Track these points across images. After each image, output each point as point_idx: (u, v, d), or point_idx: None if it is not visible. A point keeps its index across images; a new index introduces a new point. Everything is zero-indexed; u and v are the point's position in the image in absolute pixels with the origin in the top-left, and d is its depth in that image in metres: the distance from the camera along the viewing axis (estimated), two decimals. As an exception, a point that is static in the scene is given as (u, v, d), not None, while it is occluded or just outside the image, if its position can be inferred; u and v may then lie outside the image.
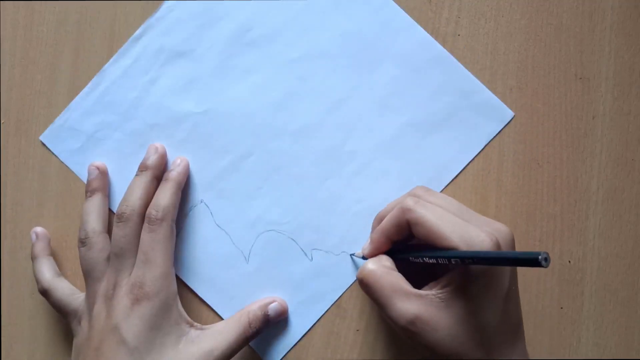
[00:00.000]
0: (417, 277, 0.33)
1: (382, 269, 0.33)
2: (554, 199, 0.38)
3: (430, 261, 0.31)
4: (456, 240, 0.30)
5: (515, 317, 0.32)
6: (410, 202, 0.32)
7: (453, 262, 0.30)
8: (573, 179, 0.38)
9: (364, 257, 0.36)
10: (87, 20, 0.41)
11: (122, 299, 0.35)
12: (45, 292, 0.38)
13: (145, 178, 0.37)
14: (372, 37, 0.39)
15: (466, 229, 0.30)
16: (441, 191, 0.38)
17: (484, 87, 0.38)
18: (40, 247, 0.39)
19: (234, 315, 0.37)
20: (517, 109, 0.38)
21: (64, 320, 0.38)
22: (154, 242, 0.35)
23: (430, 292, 0.31)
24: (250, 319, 0.36)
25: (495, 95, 0.38)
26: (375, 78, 0.39)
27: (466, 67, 0.38)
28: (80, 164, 0.40)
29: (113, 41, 0.40)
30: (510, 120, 0.38)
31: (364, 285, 0.33)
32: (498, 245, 0.30)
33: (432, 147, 0.38)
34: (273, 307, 0.37)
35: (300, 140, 0.39)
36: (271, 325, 0.38)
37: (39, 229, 0.40)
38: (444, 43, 0.39)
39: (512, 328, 0.32)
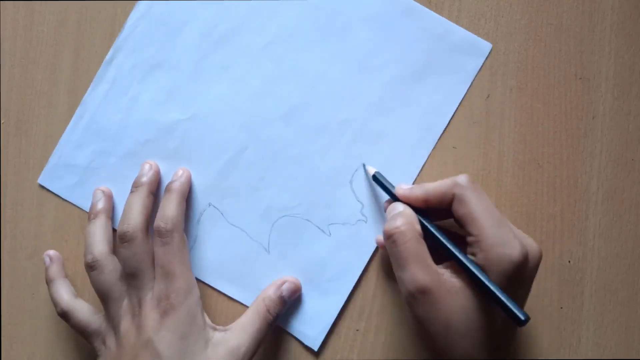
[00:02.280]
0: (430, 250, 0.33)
1: (412, 232, 0.33)
2: (554, 199, 0.38)
3: (441, 239, 0.33)
4: (487, 231, 0.31)
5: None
6: (465, 180, 0.33)
7: (455, 258, 0.31)
8: (573, 179, 0.38)
9: (385, 186, 0.36)
10: (87, 20, 0.41)
11: (150, 314, 0.35)
12: (64, 315, 0.38)
13: (141, 193, 0.37)
14: (338, 4, 0.39)
15: (503, 230, 0.31)
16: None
17: (456, 26, 0.38)
18: (55, 270, 0.39)
19: (252, 306, 0.37)
20: (517, 108, 0.38)
21: (85, 340, 0.38)
22: (168, 254, 0.35)
23: (447, 272, 0.32)
24: (267, 304, 0.37)
25: (495, 94, 0.38)
26: (349, 44, 0.39)
27: (466, 67, 0.39)
28: (82, 197, 0.40)
29: (113, 41, 0.40)
30: (490, 52, 0.38)
31: (391, 241, 0.33)
32: (526, 257, 0.31)
33: (420, 96, 0.39)
34: (286, 288, 0.37)
35: (292, 122, 0.39)
36: (288, 305, 0.38)
37: (52, 252, 0.40)
38: (444, 43, 0.39)
39: (510, 332, 0.32)
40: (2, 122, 0.41)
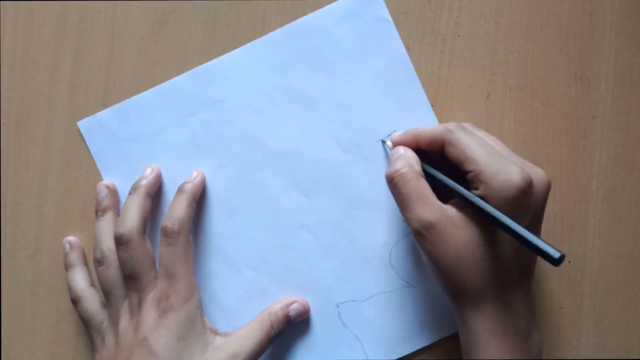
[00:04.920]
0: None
1: (412, 173, 0.33)
2: (554, 199, 0.38)
3: (438, 179, 0.33)
4: (482, 163, 0.31)
5: (528, 257, 0.33)
6: (453, 125, 0.33)
7: (460, 195, 0.32)
8: (573, 179, 0.38)
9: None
10: (87, 20, 0.41)
11: (149, 312, 0.35)
12: (76, 300, 0.38)
13: (139, 195, 0.37)
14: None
15: (499, 159, 0.31)
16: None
17: (323, 9, 0.39)
18: (75, 256, 0.40)
19: (257, 318, 0.37)
20: (517, 108, 0.38)
21: (87, 331, 0.38)
22: (173, 255, 0.35)
23: (451, 208, 0.32)
24: (272, 320, 0.36)
25: (495, 94, 0.38)
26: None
27: (466, 68, 0.38)
28: (107, 163, 0.40)
29: (113, 41, 0.40)
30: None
31: (393, 185, 0.33)
32: (529, 183, 0.30)
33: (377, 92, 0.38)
34: (294, 308, 0.37)
35: (314, 231, 0.39)
36: (292, 325, 0.38)
37: (72, 239, 0.40)
38: (443, 43, 0.39)
39: (522, 267, 0.32)
40: (2, 122, 0.41)
